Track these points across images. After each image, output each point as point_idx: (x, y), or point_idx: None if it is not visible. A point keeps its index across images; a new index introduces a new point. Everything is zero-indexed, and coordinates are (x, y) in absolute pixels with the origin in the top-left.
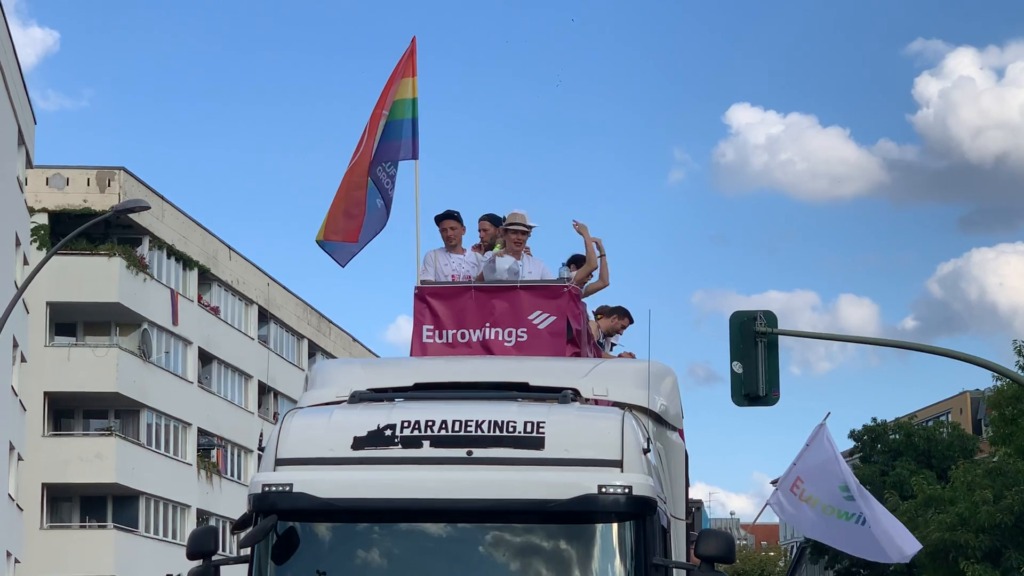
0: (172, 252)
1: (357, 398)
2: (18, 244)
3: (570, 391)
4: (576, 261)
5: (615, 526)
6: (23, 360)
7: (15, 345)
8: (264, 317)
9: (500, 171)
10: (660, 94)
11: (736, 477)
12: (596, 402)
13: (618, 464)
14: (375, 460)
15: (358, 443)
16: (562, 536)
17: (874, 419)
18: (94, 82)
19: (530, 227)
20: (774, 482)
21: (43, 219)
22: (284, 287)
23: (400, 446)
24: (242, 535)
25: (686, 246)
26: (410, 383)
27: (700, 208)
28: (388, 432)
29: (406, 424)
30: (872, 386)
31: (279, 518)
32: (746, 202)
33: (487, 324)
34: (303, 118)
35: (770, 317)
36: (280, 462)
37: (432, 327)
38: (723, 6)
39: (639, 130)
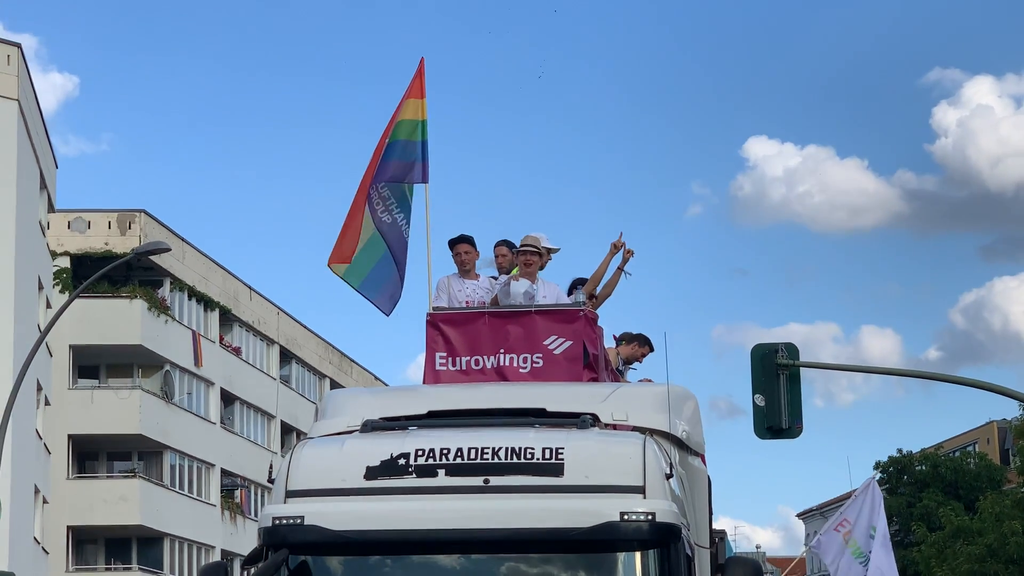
0: (193, 293)
1: (369, 427)
2: (41, 288)
3: (589, 416)
4: (580, 283)
5: (638, 555)
6: (47, 403)
7: (39, 388)
8: (286, 357)
9: (514, 200)
10: (677, 128)
11: (761, 511)
12: (616, 427)
13: (640, 490)
14: (389, 490)
15: (371, 473)
16: (583, 566)
17: (900, 450)
18: (113, 126)
19: (543, 249)
20: (800, 515)
21: (65, 262)
22: (305, 326)
23: (414, 475)
24: (253, 570)
25: (705, 280)
26: (423, 411)
27: (719, 242)
28: (402, 461)
29: (420, 453)
30: (897, 417)
31: (291, 552)
32: (765, 235)
33: (501, 350)
34: (325, 157)
35: (792, 349)
36: (291, 494)
37: (445, 354)
38: (738, 39)
39: (657, 164)
